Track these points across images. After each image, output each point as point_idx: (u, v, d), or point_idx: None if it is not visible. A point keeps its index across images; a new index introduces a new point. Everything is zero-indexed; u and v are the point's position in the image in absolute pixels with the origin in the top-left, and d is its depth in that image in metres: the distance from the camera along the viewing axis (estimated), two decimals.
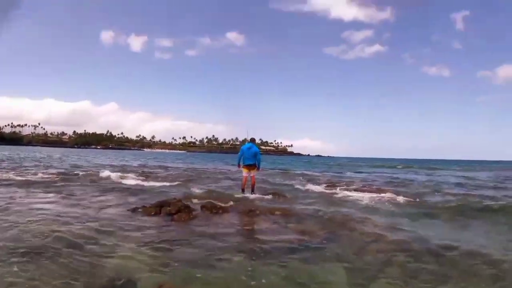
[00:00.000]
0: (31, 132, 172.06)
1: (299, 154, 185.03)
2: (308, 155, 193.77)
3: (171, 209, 7.03)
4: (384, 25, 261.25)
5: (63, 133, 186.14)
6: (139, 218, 6.62)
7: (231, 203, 8.38)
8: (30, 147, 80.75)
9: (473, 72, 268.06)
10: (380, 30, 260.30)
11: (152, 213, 6.97)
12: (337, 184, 14.31)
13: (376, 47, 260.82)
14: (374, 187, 13.71)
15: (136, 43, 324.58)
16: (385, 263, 4.41)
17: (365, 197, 10.45)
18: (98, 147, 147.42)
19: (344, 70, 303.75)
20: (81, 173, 15.66)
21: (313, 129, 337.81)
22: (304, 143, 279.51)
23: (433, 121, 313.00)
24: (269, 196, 9.95)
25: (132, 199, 8.83)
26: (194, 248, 4.77)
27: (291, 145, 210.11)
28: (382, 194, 11.08)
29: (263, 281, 3.65)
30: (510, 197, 11.47)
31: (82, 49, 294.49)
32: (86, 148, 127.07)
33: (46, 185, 10.91)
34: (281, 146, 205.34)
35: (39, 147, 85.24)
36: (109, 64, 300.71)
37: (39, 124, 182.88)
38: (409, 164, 55.78)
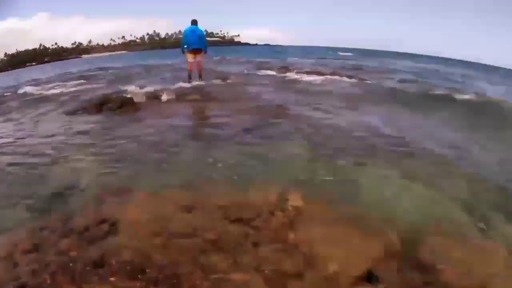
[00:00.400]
0: None
1: (247, 44, 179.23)
2: (256, 44, 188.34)
3: (113, 105, 6.38)
4: None
5: None
6: (80, 119, 6.05)
7: (178, 91, 7.95)
8: None
9: None
10: None
11: (94, 112, 6.39)
12: (289, 68, 13.75)
13: None
14: (327, 70, 13.36)
15: None
16: (344, 138, 4.53)
17: (318, 79, 10.15)
18: (33, 63, 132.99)
19: None
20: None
21: (261, 17, 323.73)
22: (252, 32, 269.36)
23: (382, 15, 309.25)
24: (218, 81, 9.35)
25: (72, 104, 7.67)
26: (141, 143, 4.46)
27: (238, 35, 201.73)
28: (336, 77, 10.84)
29: (220, 163, 3.62)
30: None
31: None
32: (21, 68, 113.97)
33: None
34: (228, 36, 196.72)
35: None
36: None
37: None
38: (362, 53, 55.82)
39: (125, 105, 6.40)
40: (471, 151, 4.49)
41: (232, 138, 4.47)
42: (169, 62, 20.34)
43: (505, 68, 41.29)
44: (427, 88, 9.29)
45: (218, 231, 2.40)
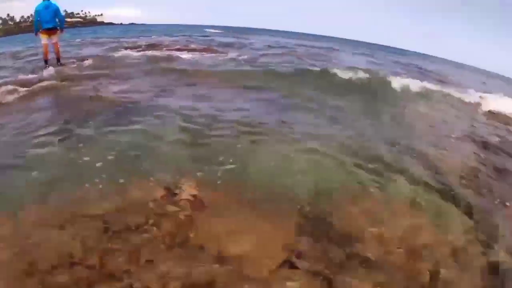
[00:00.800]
0: None
1: (110, 24, 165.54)
2: (121, 23, 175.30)
3: None
4: None
5: None
6: None
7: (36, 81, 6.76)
8: None
9: None
10: None
11: None
12: (159, 46, 13.33)
13: None
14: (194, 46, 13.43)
15: None
16: None
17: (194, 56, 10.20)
18: None
19: None
20: None
21: None
22: (116, 12, 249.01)
23: None
24: (83, 63, 8.66)
25: None
26: None
27: (101, 14, 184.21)
28: (208, 53, 11.03)
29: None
30: None
31: None
32: None
33: None
34: (90, 16, 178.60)
35: None
36: None
37: None
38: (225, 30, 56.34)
39: None
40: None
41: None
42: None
43: None
44: None
45: (100, 251, 1.95)
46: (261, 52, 13.73)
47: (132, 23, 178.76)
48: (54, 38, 8.15)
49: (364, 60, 16.91)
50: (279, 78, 8.02)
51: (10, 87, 6.09)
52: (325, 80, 8.25)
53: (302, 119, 5.11)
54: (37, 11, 7.78)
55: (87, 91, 5.87)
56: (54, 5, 7.86)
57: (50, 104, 5.56)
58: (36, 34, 8.11)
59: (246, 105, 5.61)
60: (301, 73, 8.81)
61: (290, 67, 9.80)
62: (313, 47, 19.76)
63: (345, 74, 8.82)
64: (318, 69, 9.53)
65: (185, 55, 10.54)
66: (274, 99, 6.21)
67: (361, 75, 8.92)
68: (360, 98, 6.96)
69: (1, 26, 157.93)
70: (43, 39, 8.02)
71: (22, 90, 5.97)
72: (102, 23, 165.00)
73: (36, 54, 10.43)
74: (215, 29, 49.55)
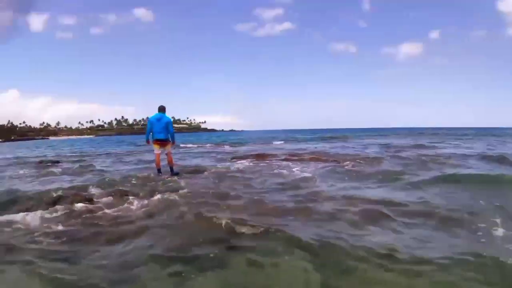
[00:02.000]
0: None
1: (213, 130, 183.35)
2: (222, 130, 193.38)
3: (67, 206, 5.06)
4: (295, 4, 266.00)
5: None
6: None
7: (146, 188, 6.47)
8: None
9: (377, 48, 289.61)
10: (290, 8, 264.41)
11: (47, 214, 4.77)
12: (267, 156, 12.65)
13: (286, 25, 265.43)
14: (306, 156, 12.42)
15: (36, 21, 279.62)
16: None
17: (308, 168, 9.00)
18: (0, 140, 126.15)
19: (255, 46, 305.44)
20: None
21: (226, 105, 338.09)
22: (217, 119, 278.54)
23: (337, 93, 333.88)
24: (193, 176, 8.01)
25: None
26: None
27: (205, 122, 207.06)
28: (324, 163, 9.80)
29: None
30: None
31: None
32: None
33: None
34: (195, 123, 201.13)
35: None
36: (6, 46, 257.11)
37: None
38: (323, 134, 57.07)
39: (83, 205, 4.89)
40: None
41: None
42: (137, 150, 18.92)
43: None
44: None
45: None
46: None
47: (232, 130, 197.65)
48: (167, 149, 8.16)
49: None
50: None
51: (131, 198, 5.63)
52: None
53: None
54: (150, 121, 8.04)
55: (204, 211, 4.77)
56: (167, 118, 8.02)
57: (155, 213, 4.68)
58: (147, 142, 8.23)
59: None
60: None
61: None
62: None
63: None
64: None
65: (295, 166, 9.36)
66: None
67: None
68: None
69: (116, 126, 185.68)
70: (155, 149, 8.10)
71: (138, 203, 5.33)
72: (205, 130, 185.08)
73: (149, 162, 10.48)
74: (305, 134, 50.50)
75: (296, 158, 11.56)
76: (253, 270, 2.82)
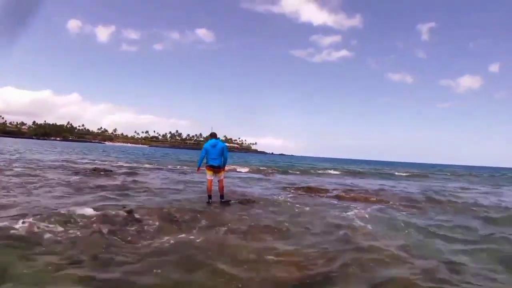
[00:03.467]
0: None
1: (263, 152, 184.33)
2: (272, 153, 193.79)
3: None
4: (352, 32, 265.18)
5: (22, 123, 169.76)
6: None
7: (196, 215, 6.41)
8: None
9: (435, 80, 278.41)
10: (347, 36, 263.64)
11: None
12: (319, 191, 12.10)
13: (343, 52, 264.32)
14: (362, 194, 11.72)
15: (103, 33, 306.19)
16: None
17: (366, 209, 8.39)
18: (58, 138, 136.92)
19: (311, 72, 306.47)
20: None
21: (277, 128, 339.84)
22: (268, 141, 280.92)
23: (394, 125, 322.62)
24: (245, 206, 7.79)
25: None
26: None
27: (255, 143, 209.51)
28: (383, 205, 9.14)
29: None
30: None
31: (47, 38, 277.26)
32: (45, 139, 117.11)
33: None
34: (246, 143, 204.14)
35: None
36: (74, 54, 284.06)
37: None
38: (375, 166, 54.65)
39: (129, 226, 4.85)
40: None
41: None
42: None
43: None
44: None
45: None
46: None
47: (282, 153, 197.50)
48: (220, 175, 8.08)
49: None
50: None
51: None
52: None
53: None
54: (204, 148, 8.00)
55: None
56: (222, 144, 7.97)
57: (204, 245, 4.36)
58: (198, 169, 8.41)
59: None
60: None
61: None
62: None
63: None
64: None
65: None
66: None
67: None
68: None
69: (170, 139, 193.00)
70: (208, 174, 8.01)
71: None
72: (255, 151, 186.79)
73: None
74: (366, 166, 47.53)
75: (350, 196, 10.95)
76: None
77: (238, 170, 22.44)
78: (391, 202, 9.87)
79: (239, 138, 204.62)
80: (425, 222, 7.18)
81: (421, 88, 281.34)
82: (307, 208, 8.11)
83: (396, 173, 29.69)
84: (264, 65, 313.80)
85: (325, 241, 5.22)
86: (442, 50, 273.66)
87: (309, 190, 11.83)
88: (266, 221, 6.40)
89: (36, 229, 4.73)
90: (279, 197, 9.88)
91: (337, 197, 10.47)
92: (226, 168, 8.31)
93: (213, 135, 8.19)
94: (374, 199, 10.40)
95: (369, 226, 6.41)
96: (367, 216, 7.54)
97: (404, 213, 8.30)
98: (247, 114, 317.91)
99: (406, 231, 6.30)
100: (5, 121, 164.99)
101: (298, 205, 8.45)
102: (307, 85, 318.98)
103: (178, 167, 22.20)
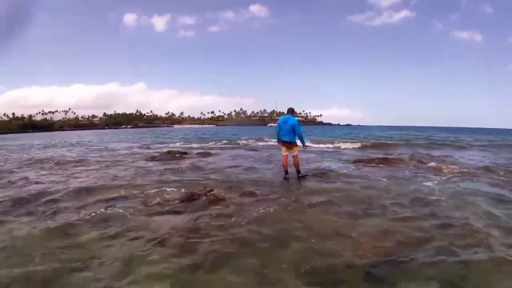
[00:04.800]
0: (63, 118, 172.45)
1: (329, 124, 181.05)
2: (338, 124, 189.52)
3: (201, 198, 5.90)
4: None
5: (93, 116, 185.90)
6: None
7: (276, 190, 6.80)
8: (62, 132, 79.69)
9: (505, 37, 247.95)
10: None
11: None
12: (393, 161, 11.80)
13: (404, 13, 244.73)
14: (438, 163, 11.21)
15: (159, 23, 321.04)
16: None
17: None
18: (129, 126, 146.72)
19: (372, 37, 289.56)
20: None
21: (341, 98, 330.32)
22: (333, 113, 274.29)
23: (461, 89, 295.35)
24: (322, 180, 7.98)
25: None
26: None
27: (320, 115, 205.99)
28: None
29: None
30: None
31: (107, 34, 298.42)
32: (117, 128, 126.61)
33: None
34: (310, 116, 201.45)
35: (69, 132, 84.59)
36: (134, 45, 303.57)
37: (69, 109, 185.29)
38: (456, 133, 50.02)
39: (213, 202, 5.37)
40: None
41: None
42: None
43: None
44: None
45: None
46: None
47: (348, 124, 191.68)
48: (293, 152, 8.20)
49: None
50: None
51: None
52: None
53: None
54: (278, 124, 8.23)
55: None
56: (293, 120, 8.01)
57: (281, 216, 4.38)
58: (278, 142, 8.51)
59: None
60: None
61: None
62: None
63: None
64: None
65: None
66: None
67: None
68: None
69: (235, 116, 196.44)
70: (283, 150, 8.33)
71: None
72: (321, 123, 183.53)
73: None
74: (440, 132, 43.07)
75: (426, 166, 10.55)
76: None
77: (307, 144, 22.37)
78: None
79: (303, 111, 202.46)
80: None
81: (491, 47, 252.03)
82: (387, 180, 8.05)
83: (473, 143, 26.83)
84: (323, 34, 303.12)
85: (411, 215, 5.21)
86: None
87: (383, 161, 11.59)
88: (346, 194, 6.47)
89: (125, 212, 5.26)
90: (356, 169, 9.86)
91: (416, 167, 10.18)
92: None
93: (289, 111, 8.29)
94: (450, 168, 9.97)
95: (450, 200, 6.22)
96: (449, 186, 7.32)
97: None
98: (310, 87, 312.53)
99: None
100: (77, 115, 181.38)
101: (376, 177, 8.41)
102: (369, 52, 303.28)
103: (249, 143, 22.85)
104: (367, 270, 3.26)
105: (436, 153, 16.02)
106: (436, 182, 7.74)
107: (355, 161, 11.84)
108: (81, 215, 5.07)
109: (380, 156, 13.24)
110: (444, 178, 8.28)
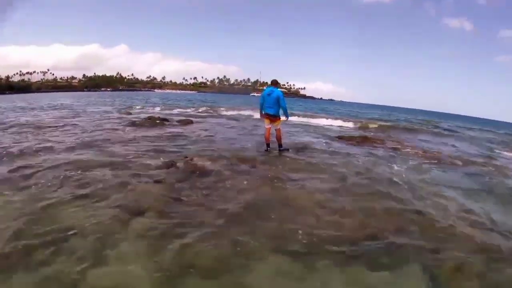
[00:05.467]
0: (41, 79, 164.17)
1: (311, 98, 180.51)
2: (321, 98, 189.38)
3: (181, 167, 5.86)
4: None
5: (72, 78, 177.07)
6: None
7: (255, 163, 6.73)
8: (39, 94, 76.34)
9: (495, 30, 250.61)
10: None
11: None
12: (374, 141, 11.87)
13: None
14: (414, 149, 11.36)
15: None
16: None
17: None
18: (108, 89, 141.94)
19: (361, 14, 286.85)
20: None
21: (326, 72, 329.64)
22: (316, 86, 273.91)
23: (444, 75, 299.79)
24: (303, 154, 7.94)
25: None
26: None
27: (304, 88, 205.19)
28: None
29: None
30: None
31: None
32: (96, 91, 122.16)
33: None
34: (294, 88, 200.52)
35: (47, 93, 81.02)
36: (118, 6, 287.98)
37: (48, 70, 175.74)
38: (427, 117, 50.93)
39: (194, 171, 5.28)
40: None
41: None
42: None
43: None
44: None
45: None
46: None
47: (331, 99, 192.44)
48: (276, 124, 8.10)
49: None
50: None
51: None
52: None
53: None
54: (262, 95, 8.07)
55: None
56: (277, 92, 7.80)
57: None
58: (260, 115, 8.42)
59: None
60: None
61: None
62: None
63: None
64: None
65: None
66: None
67: None
68: None
69: (218, 84, 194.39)
70: (266, 123, 8.18)
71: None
72: (304, 96, 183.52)
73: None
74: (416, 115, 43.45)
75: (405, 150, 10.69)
76: None
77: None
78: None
79: (287, 82, 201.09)
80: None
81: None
82: (364, 158, 8.13)
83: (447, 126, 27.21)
84: (312, 6, 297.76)
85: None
86: None
87: (364, 139, 11.66)
88: (325, 169, 6.56)
89: (102, 178, 5.14)
90: (336, 146, 9.90)
91: (394, 149, 10.29)
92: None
93: (273, 83, 8.04)
94: (427, 154, 10.14)
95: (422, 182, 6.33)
96: (418, 170, 7.48)
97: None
98: (294, 59, 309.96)
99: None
100: (56, 77, 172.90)
101: (354, 155, 8.46)
102: (357, 29, 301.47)
103: (230, 112, 22.60)
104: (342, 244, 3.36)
105: (412, 136, 16.19)
106: (405, 167, 7.74)
107: (337, 137, 11.88)
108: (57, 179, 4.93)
109: (362, 134, 13.35)
110: (415, 163, 8.35)
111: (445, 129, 23.05)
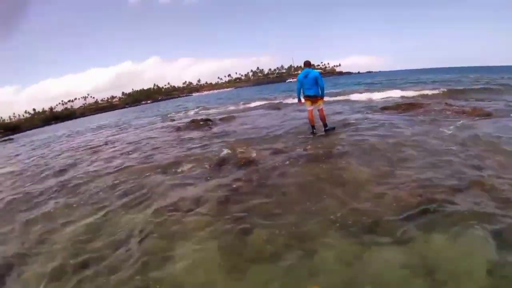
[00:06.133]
0: (83, 104, 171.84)
1: (348, 73, 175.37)
2: (358, 72, 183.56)
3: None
4: None
5: (112, 97, 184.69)
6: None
7: (306, 145, 6.86)
8: (84, 118, 79.71)
9: None
10: None
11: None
12: (422, 105, 11.41)
13: None
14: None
15: None
16: None
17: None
18: (148, 101, 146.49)
19: None
20: None
21: (359, 45, 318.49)
22: (352, 61, 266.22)
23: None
24: (350, 132, 7.89)
25: None
26: None
27: (339, 65, 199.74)
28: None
29: None
30: None
31: (111, 14, 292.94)
32: (137, 105, 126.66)
33: None
34: (329, 67, 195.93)
35: (91, 116, 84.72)
36: (141, 21, 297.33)
37: (88, 94, 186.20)
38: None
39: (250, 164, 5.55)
40: None
41: None
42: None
43: None
44: None
45: None
46: None
47: (369, 71, 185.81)
48: (319, 105, 8.05)
49: None
50: None
51: None
52: None
53: None
54: (298, 80, 8.04)
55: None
56: (314, 72, 7.76)
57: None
58: (299, 102, 8.43)
59: None
60: None
61: None
62: None
63: None
64: None
65: None
66: None
67: None
68: None
69: (252, 77, 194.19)
70: (307, 105, 8.15)
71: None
72: (340, 73, 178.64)
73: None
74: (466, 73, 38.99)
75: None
76: None
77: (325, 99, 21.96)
78: None
79: (321, 62, 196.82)
80: None
81: None
82: (414, 126, 7.91)
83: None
84: None
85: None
86: None
87: (410, 106, 11.26)
88: (376, 144, 6.42)
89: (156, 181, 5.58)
90: (381, 118, 9.70)
91: (442, 110, 9.89)
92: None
93: (306, 64, 8.02)
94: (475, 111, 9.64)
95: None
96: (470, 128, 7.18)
97: None
98: (326, 37, 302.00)
99: None
100: (96, 99, 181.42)
101: (401, 124, 8.28)
102: None
103: (270, 102, 22.69)
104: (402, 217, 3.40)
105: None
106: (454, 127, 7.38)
107: (381, 108, 11.61)
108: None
109: (406, 101, 12.88)
110: (464, 121, 7.97)
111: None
